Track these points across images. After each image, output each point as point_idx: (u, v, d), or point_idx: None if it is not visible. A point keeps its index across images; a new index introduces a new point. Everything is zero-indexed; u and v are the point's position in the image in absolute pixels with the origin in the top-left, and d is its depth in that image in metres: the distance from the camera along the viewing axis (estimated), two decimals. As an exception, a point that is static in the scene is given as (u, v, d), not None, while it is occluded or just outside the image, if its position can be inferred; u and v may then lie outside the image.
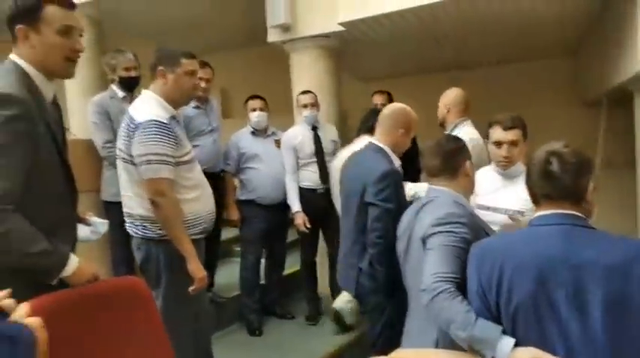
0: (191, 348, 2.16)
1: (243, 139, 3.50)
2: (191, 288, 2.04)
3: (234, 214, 3.50)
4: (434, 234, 1.61)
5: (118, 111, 3.00)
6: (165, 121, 2.02)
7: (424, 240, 1.66)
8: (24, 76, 1.42)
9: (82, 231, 1.70)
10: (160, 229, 2.06)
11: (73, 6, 1.49)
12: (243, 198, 3.49)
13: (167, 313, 1.91)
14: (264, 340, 3.40)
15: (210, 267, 3.19)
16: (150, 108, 2.04)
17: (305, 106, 3.50)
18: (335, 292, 3.42)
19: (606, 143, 4.29)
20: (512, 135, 2.13)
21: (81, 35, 1.51)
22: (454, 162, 1.80)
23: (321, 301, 3.72)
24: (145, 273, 2.12)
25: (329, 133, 3.61)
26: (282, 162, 3.47)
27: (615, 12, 3.57)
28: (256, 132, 3.52)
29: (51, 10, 1.43)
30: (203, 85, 3.23)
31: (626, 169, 4.27)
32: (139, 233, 2.11)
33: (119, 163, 2.15)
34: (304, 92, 3.59)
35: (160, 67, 2.11)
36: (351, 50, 4.45)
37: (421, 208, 1.80)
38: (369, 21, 3.78)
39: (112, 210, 2.81)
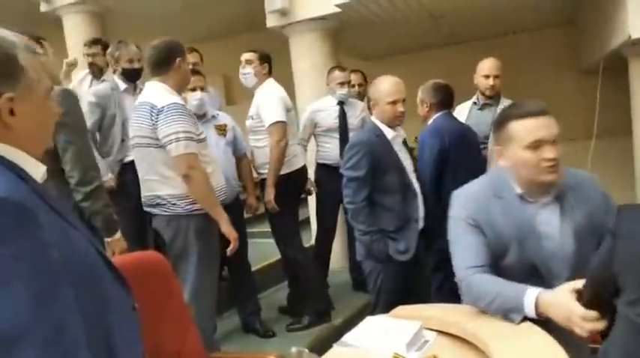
0: (211, 316, 2.36)
1: None
2: (229, 249, 2.23)
3: None
4: None
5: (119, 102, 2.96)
6: (183, 103, 2.23)
7: None
8: None
9: None
10: (188, 204, 2.19)
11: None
12: None
13: (195, 283, 2.17)
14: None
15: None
16: (166, 95, 2.19)
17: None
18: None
19: (603, 111, 4.35)
20: None
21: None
22: None
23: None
24: (171, 249, 2.24)
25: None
26: (224, 151, 2.93)
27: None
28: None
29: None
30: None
31: (623, 137, 4.34)
32: (168, 211, 2.22)
33: (137, 152, 2.27)
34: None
35: (178, 59, 2.23)
36: (349, 30, 4.51)
37: None
38: (364, 1, 3.84)
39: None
